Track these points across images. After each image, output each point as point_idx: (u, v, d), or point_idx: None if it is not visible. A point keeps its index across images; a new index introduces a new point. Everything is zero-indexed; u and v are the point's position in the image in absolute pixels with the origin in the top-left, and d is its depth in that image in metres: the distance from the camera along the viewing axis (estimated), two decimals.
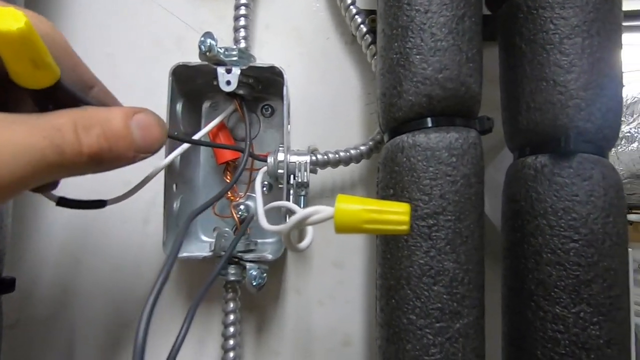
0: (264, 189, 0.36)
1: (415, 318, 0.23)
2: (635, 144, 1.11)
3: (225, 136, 0.34)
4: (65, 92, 0.17)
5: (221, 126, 0.34)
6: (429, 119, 0.25)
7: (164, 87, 0.31)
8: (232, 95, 0.33)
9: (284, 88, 0.30)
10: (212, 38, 0.29)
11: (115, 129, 0.17)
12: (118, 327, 0.36)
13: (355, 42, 0.37)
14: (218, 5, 0.38)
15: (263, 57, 0.38)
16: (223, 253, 0.29)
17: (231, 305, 0.32)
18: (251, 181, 0.35)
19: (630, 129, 1.16)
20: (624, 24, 0.43)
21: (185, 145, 0.30)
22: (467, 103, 0.24)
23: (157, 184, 0.30)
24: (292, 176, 0.32)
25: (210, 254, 0.30)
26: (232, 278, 0.31)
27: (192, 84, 0.33)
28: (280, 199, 0.31)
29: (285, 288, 0.36)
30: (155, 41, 0.38)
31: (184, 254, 0.30)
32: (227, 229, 0.30)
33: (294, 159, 0.32)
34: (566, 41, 0.23)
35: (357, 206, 0.18)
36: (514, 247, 0.26)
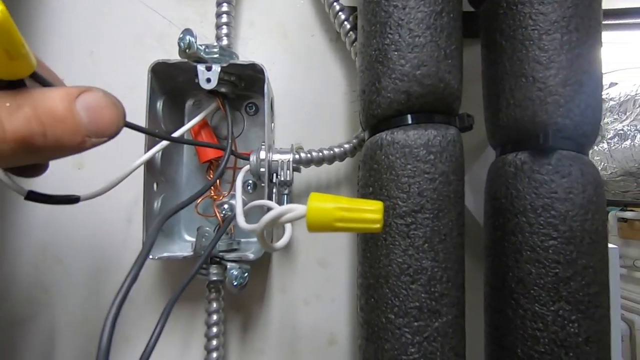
0: (249, 187, 0.36)
1: (393, 317, 0.23)
2: (628, 142, 1.12)
3: (208, 134, 0.34)
4: (41, 84, 0.16)
5: (203, 124, 0.34)
6: (408, 116, 0.24)
7: (146, 84, 0.30)
8: (214, 93, 0.32)
9: (265, 85, 0.30)
10: (192, 35, 0.29)
11: (53, 110, 0.15)
12: (100, 328, 0.36)
13: (340, 39, 0.37)
14: (201, 2, 0.38)
15: (247, 54, 0.37)
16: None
17: (214, 305, 0.32)
18: (235, 180, 0.35)
19: (624, 126, 1.17)
20: (618, 21, 0.43)
21: (165, 143, 0.29)
22: (446, 100, 0.24)
23: (141, 183, 0.30)
24: (275, 175, 0.31)
25: (191, 253, 0.30)
26: (214, 278, 0.30)
27: (173, 82, 0.33)
28: (268, 198, 0.31)
29: (270, 287, 0.36)
30: (137, 38, 0.37)
31: (164, 254, 0.30)
32: (207, 229, 0.30)
33: (276, 157, 0.31)
34: (545, 37, 0.23)
35: (329, 204, 0.18)
36: (495, 245, 0.26)
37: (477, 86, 0.30)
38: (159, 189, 0.31)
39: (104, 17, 0.38)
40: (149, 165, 0.29)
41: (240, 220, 0.24)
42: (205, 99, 0.36)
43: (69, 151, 0.16)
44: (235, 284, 0.28)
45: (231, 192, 0.35)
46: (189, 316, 0.35)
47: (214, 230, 0.32)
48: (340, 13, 0.34)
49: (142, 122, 0.30)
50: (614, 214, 1.28)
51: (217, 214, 0.33)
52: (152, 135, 0.29)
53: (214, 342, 0.31)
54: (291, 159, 0.31)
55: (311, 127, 0.37)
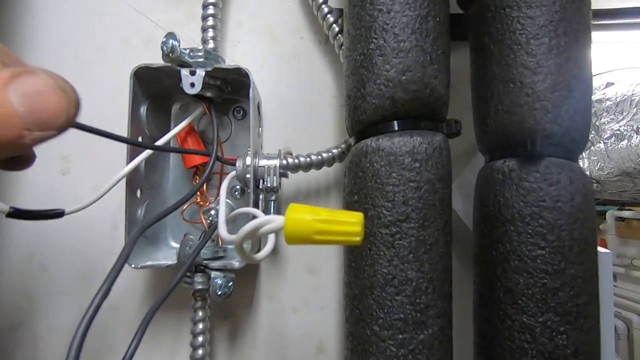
0: (236, 193, 0.35)
1: (378, 329, 0.22)
2: (624, 142, 1.11)
3: (194, 140, 0.33)
4: None
5: (189, 129, 0.33)
6: (395, 122, 0.24)
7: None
8: (199, 97, 0.32)
9: (250, 90, 0.29)
10: (175, 39, 0.28)
11: None
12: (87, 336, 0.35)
13: (329, 42, 0.36)
14: (189, 5, 0.37)
15: (235, 57, 0.37)
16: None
17: (200, 314, 0.31)
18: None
19: (620, 126, 1.16)
20: (615, 21, 0.43)
21: (149, 151, 0.29)
22: (433, 105, 0.24)
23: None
24: (261, 181, 0.31)
25: (175, 262, 0.29)
26: (199, 287, 0.30)
27: (158, 86, 0.32)
28: (254, 205, 0.30)
29: (258, 294, 0.35)
30: (123, 41, 0.37)
31: (147, 262, 0.29)
32: (192, 237, 0.29)
33: (263, 162, 0.31)
34: (533, 41, 0.23)
35: (308, 216, 0.17)
36: (483, 253, 0.25)
37: (469, 89, 0.29)
38: (142, 195, 0.31)
39: (89, 19, 0.37)
40: (131, 172, 0.29)
41: (222, 230, 0.23)
42: (192, 103, 0.35)
43: (4, 148, 0.13)
44: (219, 293, 0.28)
45: (218, 198, 0.34)
46: (175, 325, 0.35)
47: (200, 237, 0.32)
48: (328, 15, 0.34)
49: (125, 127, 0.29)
50: (611, 213, 1.28)
51: (204, 221, 0.33)
52: (150, 148, 0.29)
53: (200, 352, 0.31)
54: (278, 165, 0.31)
55: (300, 131, 0.37)
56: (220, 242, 0.32)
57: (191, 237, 0.29)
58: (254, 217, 0.28)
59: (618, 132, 1.12)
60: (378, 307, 0.22)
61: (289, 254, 0.36)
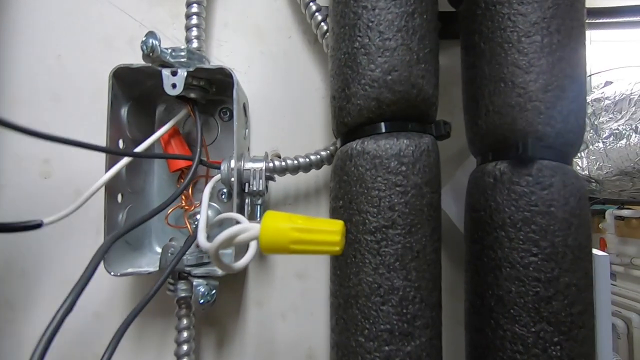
0: (223, 197, 0.34)
1: (363, 340, 0.21)
2: (623, 141, 1.10)
3: (178, 142, 0.32)
4: None
5: (173, 132, 0.32)
6: (381, 124, 0.23)
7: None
8: (183, 98, 0.31)
9: (234, 90, 0.28)
10: (155, 38, 0.27)
11: None
12: (67, 344, 0.34)
13: (318, 41, 0.35)
14: (174, 3, 0.36)
15: (221, 57, 0.36)
16: None
17: (184, 322, 0.30)
18: None
19: (619, 125, 1.15)
20: (613, 19, 0.42)
21: (129, 158, 0.28)
22: (420, 107, 0.23)
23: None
24: (247, 184, 0.30)
25: (157, 269, 0.28)
26: (183, 294, 0.29)
27: (141, 87, 0.31)
28: (240, 209, 0.29)
29: (246, 301, 0.35)
30: (106, 41, 0.36)
31: (128, 269, 0.28)
32: (173, 243, 0.28)
33: (248, 165, 0.30)
34: (525, 39, 0.22)
35: (284, 225, 0.16)
36: (474, 260, 0.24)
37: (461, 89, 0.28)
38: (124, 200, 0.30)
39: (71, 19, 0.36)
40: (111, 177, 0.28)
41: (201, 236, 0.22)
42: (177, 105, 0.34)
43: None
44: (201, 301, 0.27)
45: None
46: (159, 333, 0.34)
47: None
48: (317, 13, 0.33)
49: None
50: (611, 212, 1.27)
51: (188, 226, 0.32)
52: (129, 155, 0.28)
53: None
54: (264, 168, 0.30)
55: (289, 133, 0.36)
56: None
57: (173, 243, 0.28)
58: (237, 222, 0.28)
59: (617, 131, 1.10)
60: (363, 317, 0.21)
61: (277, 259, 0.35)
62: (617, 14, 0.42)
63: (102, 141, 0.28)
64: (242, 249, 0.31)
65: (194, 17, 0.32)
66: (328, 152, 0.32)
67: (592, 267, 0.22)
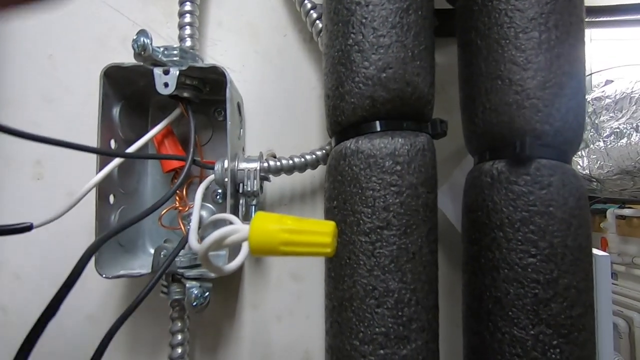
0: (218, 197, 0.34)
1: (358, 344, 0.21)
2: (624, 140, 1.09)
3: (171, 142, 0.32)
4: None
5: (167, 132, 0.32)
6: (377, 123, 0.22)
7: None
8: (176, 98, 0.30)
9: (227, 89, 0.28)
10: (147, 36, 0.27)
11: None
12: (60, 346, 0.34)
13: (314, 40, 0.35)
14: (167, 2, 0.36)
15: (216, 56, 0.35)
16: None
17: (178, 325, 0.30)
18: None
19: (620, 124, 1.14)
20: (614, 18, 0.41)
21: (121, 159, 0.27)
22: (415, 105, 0.22)
23: None
24: (241, 185, 0.29)
25: (149, 271, 0.28)
26: (176, 297, 0.28)
27: (134, 86, 0.31)
28: (234, 210, 0.29)
29: (241, 303, 0.34)
30: (99, 41, 0.35)
31: (120, 271, 0.28)
32: (167, 245, 0.28)
33: (242, 165, 0.29)
34: (522, 36, 0.21)
35: (274, 226, 0.16)
36: (472, 261, 0.24)
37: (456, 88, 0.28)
38: (116, 201, 0.29)
39: (63, 18, 0.35)
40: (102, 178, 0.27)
41: (192, 238, 0.22)
42: (171, 105, 0.34)
43: None
44: (194, 304, 0.26)
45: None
46: (153, 336, 0.33)
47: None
48: (312, 11, 0.32)
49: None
50: (612, 212, 1.27)
51: (182, 227, 0.31)
52: (120, 156, 0.27)
53: None
54: (258, 168, 0.29)
55: (284, 133, 0.35)
56: None
57: (167, 245, 0.28)
58: (231, 223, 0.27)
59: (617, 130, 1.10)
60: (358, 320, 0.21)
61: (272, 260, 0.34)
62: (617, 12, 0.42)
63: (94, 142, 0.28)
64: (235, 250, 0.30)
65: (187, 15, 0.32)
66: (324, 151, 0.31)
67: (592, 268, 0.22)
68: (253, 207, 0.30)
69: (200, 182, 0.33)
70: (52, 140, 0.24)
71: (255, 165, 0.29)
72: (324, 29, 0.25)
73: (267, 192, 0.35)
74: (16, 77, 0.35)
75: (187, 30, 0.32)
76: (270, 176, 0.31)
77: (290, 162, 0.31)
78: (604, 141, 1.05)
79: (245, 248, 0.23)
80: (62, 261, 0.34)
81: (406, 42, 0.21)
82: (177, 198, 0.32)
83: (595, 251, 0.37)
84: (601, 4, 0.41)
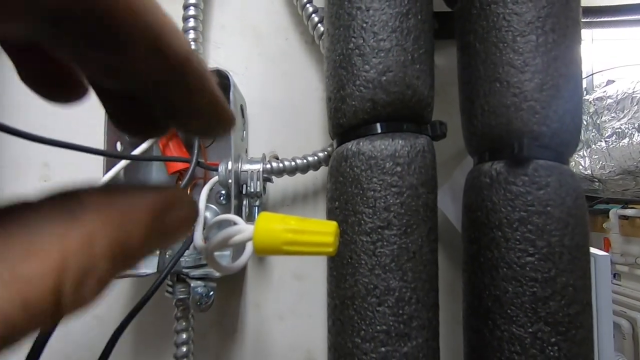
0: (221, 198, 0.34)
1: (360, 341, 0.21)
2: (626, 140, 1.09)
3: (176, 144, 0.33)
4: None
5: (171, 135, 0.32)
6: (377, 125, 0.23)
7: None
8: None
9: (231, 93, 0.28)
10: None
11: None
12: (68, 346, 0.34)
13: (315, 42, 0.35)
14: (171, 6, 0.36)
15: (219, 59, 0.36)
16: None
17: (183, 324, 0.30)
18: None
19: (621, 124, 1.14)
20: (615, 18, 0.42)
21: (126, 161, 0.28)
22: (415, 107, 0.23)
23: None
24: (245, 186, 0.30)
25: (154, 271, 0.28)
26: (181, 296, 0.29)
27: None
28: (238, 210, 0.29)
29: (244, 302, 0.35)
30: None
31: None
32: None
33: (246, 167, 0.30)
34: (519, 39, 0.22)
35: (278, 226, 0.16)
36: (472, 261, 0.24)
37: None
38: None
39: None
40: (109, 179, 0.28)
41: (197, 238, 0.22)
42: None
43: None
44: (199, 303, 0.27)
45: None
46: (158, 335, 0.34)
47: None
48: (313, 15, 0.33)
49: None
50: (615, 212, 1.26)
51: None
52: (126, 158, 0.28)
53: None
54: (261, 169, 0.30)
55: (287, 134, 0.36)
56: None
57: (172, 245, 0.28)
58: (235, 224, 0.28)
59: (619, 130, 1.10)
60: (360, 318, 0.21)
61: (275, 260, 0.35)
62: (618, 12, 0.42)
63: (101, 144, 0.28)
64: (240, 250, 0.31)
65: (191, 19, 0.32)
66: (325, 153, 0.32)
67: (589, 267, 0.22)
68: (256, 207, 0.31)
69: (205, 183, 0.33)
70: (60, 142, 0.24)
71: (258, 166, 0.30)
72: (326, 33, 0.25)
73: (270, 193, 0.35)
74: (20, 86, 0.35)
75: (191, 34, 0.32)
76: (273, 177, 0.32)
77: (293, 163, 0.31)
78: (605, 141, 1.05)
79: (249, 248, 0.23)
80: None
81: (406, 45, 0.22)
82: None
83: (595, 251, 0.37)
84: (603, 5, 0.42)
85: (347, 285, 0.22)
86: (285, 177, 0.32)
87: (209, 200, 0.34)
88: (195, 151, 0.30)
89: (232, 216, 0.26)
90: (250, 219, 0.30)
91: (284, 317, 0.34)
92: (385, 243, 0.21)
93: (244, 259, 0.22)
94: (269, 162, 0.31)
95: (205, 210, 0.34)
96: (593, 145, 1.08)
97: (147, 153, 0.30)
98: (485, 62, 0.23)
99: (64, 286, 0.07)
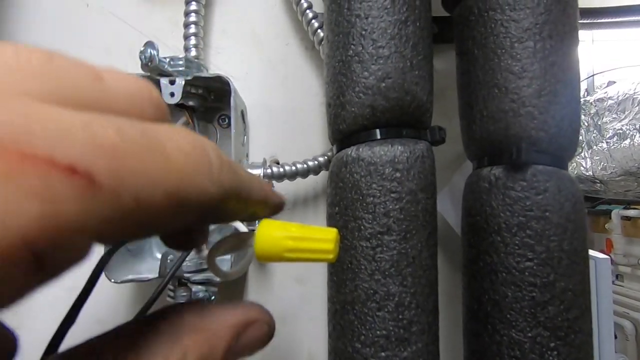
0: None
1: (360, 346, 0.21)
2: (627, 141, 1.09)
3: None
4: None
5: None
6: (377, 131, 0.23)
7: None
8: (182, 106, 0.31)
9: (232, 98, 0.29)
10: (153, 48, 0.28)
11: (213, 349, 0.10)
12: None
13: (315, 48, 0.36)
14: (173, 12, 0.37)
15: (220, 64, 0.36)
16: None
17: None
18: None
19: (622, 125, 1.14)
20: (616, 19, 0.42)
21: None
22: (414, 113, 0.23)
23: None
24: None
25: (156, 276, 0.28)
26: (182, 300, 0.29)
27: None
28: None
29: None
30: (106, 50, 0.36)
31: (128, 276, 0.28)
32: (173, 249, 0.29)
33: None
34: (517, 45, 0.22)
35: (278, 233, 0.16)
36: (471, 265, 0.24)
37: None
38: None
39: (72, 29, 0.36)
40: None
41: None
42: (176, 113, 0.34)
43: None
44: None
45: None
46: None
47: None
48: (313, 21, 0.33)
49: None
50: (617, 213, 1.26)
51: None
52: None
53: None
54: (262, 174, 0.30)
55: (287, 139, 0.36)
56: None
57: (173, 250, 0.29)
58: (236, 229, 0.28)
59: (620, 131, 1.09)
60: (360, 323, 0.21)
61: (276, 264, 0.35)
62: (619, 13, 0.42)
63: None
64: (240, 256, 0.31)
65: (192, 26, 0.33)
66: (326, 157, 0.32)
67: (588, 272, 0.22)
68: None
69: None
70: None
71: (259, 171, 0.30)
72: (325, 40, 0.25)
73: None
74: None
75: (192, 41, 0.32)
76: (274, 182, 0.32)
77: (293, 168, 0.31)
78: (607, 142, 1.05)
79: (250, 253, 0.24)
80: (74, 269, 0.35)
81: (405, 52, 0.22)
82: None
83: (595, 254, 0.37)
84: (604, 5, 0.42)
85: (347, 290, 0.22)
86: (286, 181, 0.32)
87: None
88: None
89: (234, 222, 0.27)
90: (251, 224, 0.31)
91: (285, 321, 0.34)
92: (384, 248, 0.21)
93: (245, 265, 0.23)
94: (270, 166, 0.31)
95: None
96: (594, 147, 1.08)
97: None
98: (483, 68, 0.23)
99: None
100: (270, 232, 0.16)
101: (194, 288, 0.28)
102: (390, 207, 0.21)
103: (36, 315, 0.34)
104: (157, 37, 0.36)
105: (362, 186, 0.22)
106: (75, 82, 0.08)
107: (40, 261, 0.06)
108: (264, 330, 0.13)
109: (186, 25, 0.33)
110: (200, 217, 0.10)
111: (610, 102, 1.07)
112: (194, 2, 0.32)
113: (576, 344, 0.21)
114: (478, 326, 0.23)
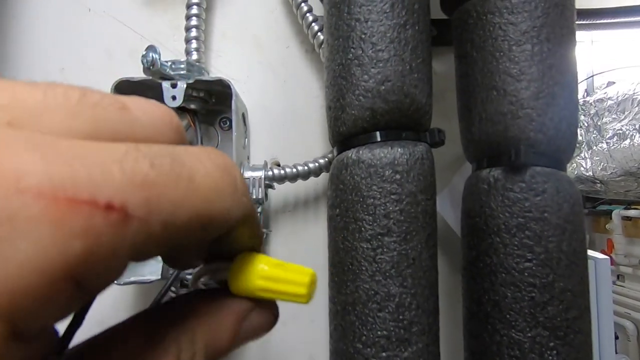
0: None
1: (361, 347, 0.21)
2: (627, 141, 1.09)
3: None
4: None
5: None
6: (377, 133, 0.23)
7: None
8: (184, 109, 0.32)
9: (233, 101, 0.29)
10: (155, 52, 0.28)
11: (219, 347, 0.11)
12: None
13: (315, 51, 0.36)
14: (173, 15, 0.37)
15: (220, 67, 0.37)
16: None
17: None
18: None
19: (622, 125, 1.14)
20: (616, 20, 0.42)
21: None
22: (414, 116, 0.23)
23: None
24: None
25: (159, 277, 0.29)
26: None
27: None
28: None
29: None
30: (108, 54, 0.37)
31: (131, 278, 0.29)
32: None
33: (248, 174, 0.30)
34: (515, 48, 0.22)
35: (252, 271, 0.15)
36: (471, 266, 0.25)
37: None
38: None
39: (74, 33, 0.37)
40: None
41: None
42: (178, 116, 0.35)
43: None
44: None
45: None
46: None
47: None
48: (313, 24, 0.33)
49: None
50: (617, 213, 1.26)
51: None
52: None
53: None
54: (263, 176, 0.30)
55: (288, 141, 0.36)
56: None
57: None
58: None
59: (620, 131, 1.10)
60: (360, 323, 0.22)
61: None
62: (619, 14, 0.43)
63: None
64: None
65: (193, 29, 0.33)
66: (326, 159, 0.32)
67: (587, 272, 0.22)
68: (258, 214, 0.31)
69: None
70: None
71: (260, 173, 0.30)
72: (325, 43, 0.26)
73: (272, 200, 0.36)
74: None
75: (194, 44, 0.33)
76: (275, 184, 0.32)
77: (294, 170, 0.32)
78: (607, 143, 1.05)
79: None
80: None
81: (404, 55, 0.22)
82: None
83: (595, 254, 0.37)
84: (603, 6, 0.42)
85: (348, 291, 0.22)
86: (287, 183, 0.32)
87: None
88: None
89: None
90: None
91: (286, 322, 0.34)
92: (385, 250, 0.21)
93: None
94: (271, 169, 0.31)
95: None
96: (594, 147, 1.08)
97: None
98: (482, 71, 0.23)
99: None
100: (244, 268, 0.15)
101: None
102: (391, 208, 0.22)
103: None
104: (158, 41, 0.37)
105: (362, 188, 0.22)
106: (107, 115, 0.09)
107: (81, 285, 0.07)
108: (267, 315, 0.14)
109: (187, 29, 0.33)
110: (218, 237, 0.10)
111: (609, 102, 1.07)
112: (195, 6, 0.33)
113: (575, 344, 0.21)
114: (478, 326, 0.24)
